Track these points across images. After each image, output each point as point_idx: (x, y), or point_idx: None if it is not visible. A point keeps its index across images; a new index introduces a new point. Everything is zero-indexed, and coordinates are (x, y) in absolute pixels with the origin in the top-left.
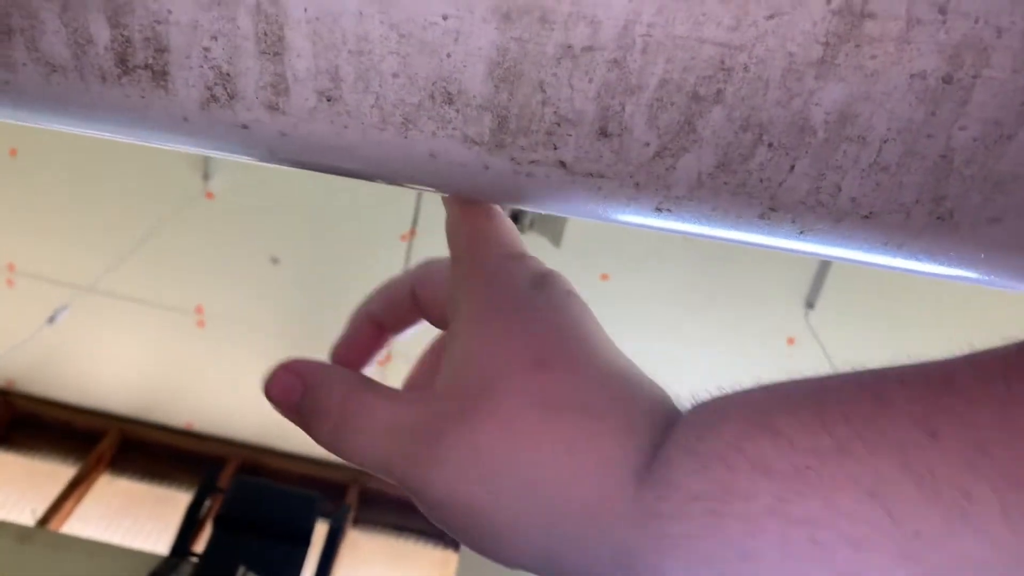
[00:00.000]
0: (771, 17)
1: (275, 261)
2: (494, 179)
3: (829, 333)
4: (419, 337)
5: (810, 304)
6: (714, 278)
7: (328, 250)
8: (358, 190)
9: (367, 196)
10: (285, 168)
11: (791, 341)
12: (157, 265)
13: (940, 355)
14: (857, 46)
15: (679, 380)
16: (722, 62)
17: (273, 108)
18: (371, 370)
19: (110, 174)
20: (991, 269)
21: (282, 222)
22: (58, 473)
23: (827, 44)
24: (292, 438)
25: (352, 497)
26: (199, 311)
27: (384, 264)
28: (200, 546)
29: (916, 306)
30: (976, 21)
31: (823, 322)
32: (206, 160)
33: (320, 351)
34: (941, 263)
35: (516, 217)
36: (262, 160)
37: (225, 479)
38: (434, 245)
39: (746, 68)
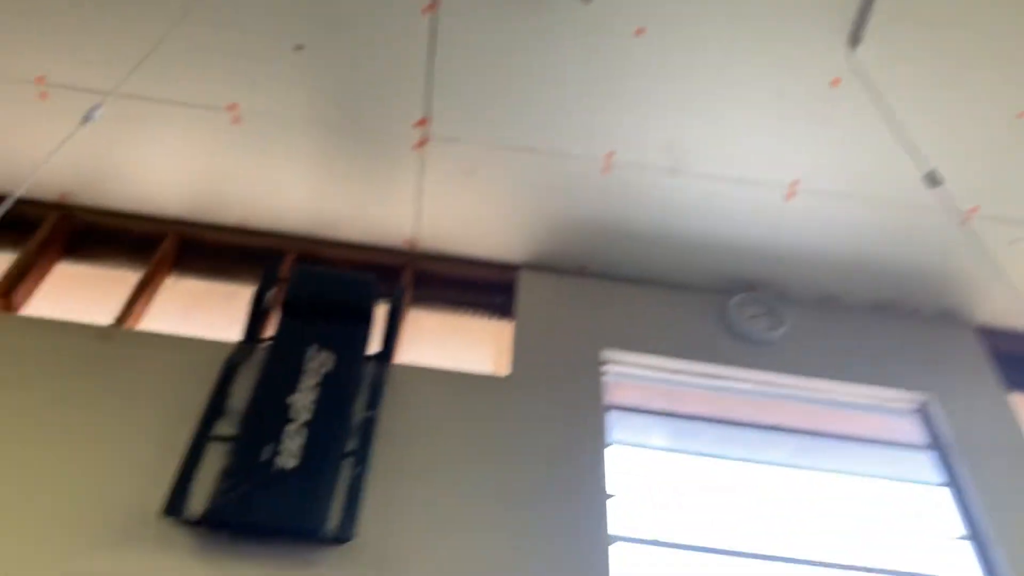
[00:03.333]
0: None
1: (299, 48)
2: None
3: (877, 72)
4: None
5: (855, 40)
6: (749, 20)
7: (350, 29)
8: None
9: None
10: None
11: (835, 82)
12: (184, 65)
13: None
14: None
15: (719, 128)
16: None
17: None
18: None
19: None
20: None
21: (299, 5)
22: (125, 279)
23: None
24: (343, 227)
25: (407, 278)
26: (232, 108)
27: (406, 39)
28: (270, 332)
29: (984, 37)
30: None
31: (871, 60)
32: None
33: (354, 136)
34: None
35: None
36: None
37: (285, 270)
38: (458, 17)
39: None
